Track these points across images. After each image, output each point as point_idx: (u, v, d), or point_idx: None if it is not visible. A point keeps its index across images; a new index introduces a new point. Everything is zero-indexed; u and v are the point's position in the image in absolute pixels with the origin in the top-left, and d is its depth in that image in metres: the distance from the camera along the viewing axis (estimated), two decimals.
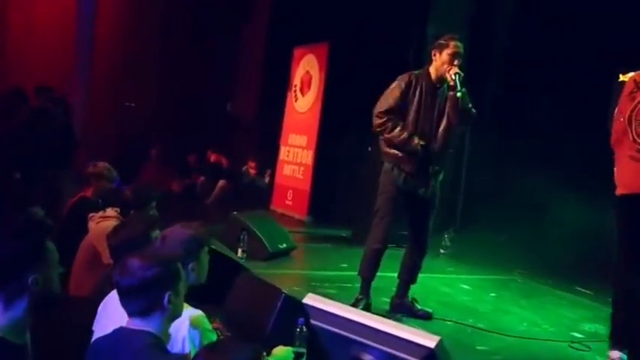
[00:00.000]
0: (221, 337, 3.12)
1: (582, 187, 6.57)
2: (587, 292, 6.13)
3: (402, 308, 4.85)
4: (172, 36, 12.33)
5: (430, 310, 4.88)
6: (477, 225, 7.95)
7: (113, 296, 2.56)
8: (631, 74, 4.26)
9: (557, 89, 7.49)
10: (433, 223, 4.90)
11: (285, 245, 6.52)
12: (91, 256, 4.22)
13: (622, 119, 4.03)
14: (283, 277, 5.63)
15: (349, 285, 5.02)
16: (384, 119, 4.63)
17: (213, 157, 11.78)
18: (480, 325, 4.77)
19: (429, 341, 1.92)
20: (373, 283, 4.84)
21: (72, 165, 7.78)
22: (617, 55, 6.55)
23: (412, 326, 2.45)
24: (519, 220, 7.41)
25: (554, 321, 5.19)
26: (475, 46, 7.77)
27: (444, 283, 6.06)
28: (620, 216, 4.05)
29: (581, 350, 4.51)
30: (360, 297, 4.75)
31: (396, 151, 4.66)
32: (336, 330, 2.17)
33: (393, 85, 4.70)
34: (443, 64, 4.59)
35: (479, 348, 4.34)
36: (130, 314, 2.36)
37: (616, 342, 4.07)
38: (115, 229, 3.32)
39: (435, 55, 4.66)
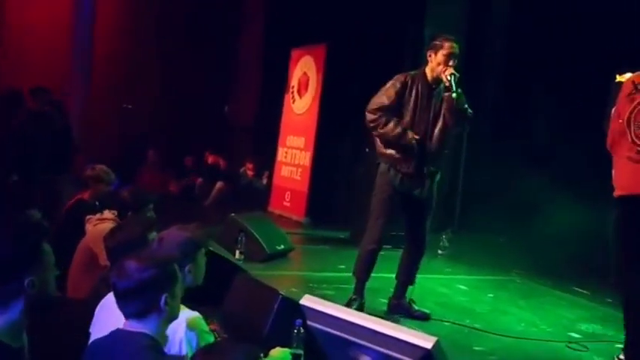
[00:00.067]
0: (218, 338, 3.12)
1: (580, 188, 6.58)
2: (585, 292, 6.14)
3: (400, 309, 4.86)
4: (170, 38, 12.33)
5: (428, 311, 4.89)
6: (475, 226, 7.96)
7: (110, 298, 2.55)
8: (628, 75, 4.26)
9: (555, 89, 7.51)
10: (431, 223, 4.91)
11: (282, 247, 6.53)
12: (88, 258, 4.21)
13: (620, 121, 4.02)
14: (281, 279, 5.64)
15: (347, 286, 5.02)
16: (377, 115, 4.62)
17: (210, 159, 11.79)
18: (478, 326, 4.78)
19: (426, 342, 1.92)
20: (371, 284, 4.84)
21: (71, 169, 7.78)
22: (615, 55, 6.55)
23: (409, 327, 2.45)
24: (517, 220, 7.41)
25: (551, 321, 5.20)
26: (472, 46, 7.79)
27: (442, 284, 6.07)
28: (620, 218, 4.04)
29: (578, 350, 4.51)
30: (353, 297, 4.76)
31: (393, 152, 4.66)
32: (334, 331, 2.17)
33: (388, 84, 4.70)
34: (438, 64, 4.59)
35: (476, 348, 4.35)
36: (127, 316, 2.36)
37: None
38: (112, 231, 3.31)
39: (430, 55, 4.66)
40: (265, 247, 6.16)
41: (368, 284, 4.85)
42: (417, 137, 4.60)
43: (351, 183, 8.46)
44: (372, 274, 4.85)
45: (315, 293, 3.86)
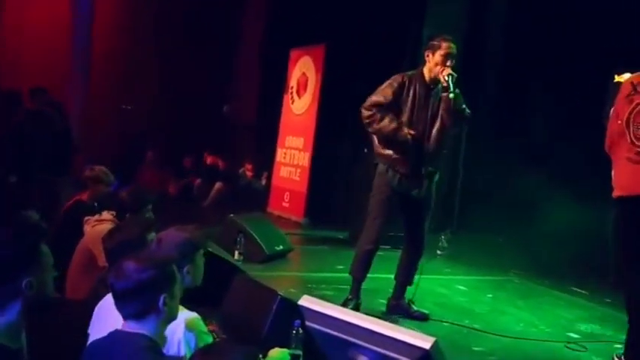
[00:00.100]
0: (217, 339, 3.12)
1: (578, 187, 6.59)
2: (584, 292, 6.15)
3: (399, 310, 4.86)
4: (169, 37, 12.34)
5: (426, 312, 4.89)
6: (474, 226, 7.95)
7: (109, 299, 2.55)
8: (627, 75, 4.26)
9: (553, 87, 7.51)
10: (430, 224, 4.89)
11: (281, 247, 6.52)
12: (86, 259, 4.21)
13: (619, 122, 4.02)
14: (280, 279, 5.64)
15: (346, 287, 5.01)
16: (373, 111, 4.61)
17: (209, 160, 11.78)
18: (477, 326, 4.78)
19: (424, 342, 1.92)
20: (370, 285, 4.84)
21: (70, 170, 7.77)
22: (613, 54, 6.57)
23: (408, 328, 2.45)
24: (516, 221, 7.42)
25: (550, 321, 5.20)
26: (471, 45, 7.78)
27: (441, 285, 6.07)
28: (619, 218, 4.04)
29: (577, 350, 4.51)
30: (350, 297, 4.76)
31: (391, 152, 4.66)
32: (332, 332, 2.16)
33: (385, 83, 4.69)
34: (436, 65, 4.59)
35: (475, 349, 4.35)
36: (126, 317, 2.36)
37: None
38: (111, 232, 3.31)
39: (428, 56, 4.66)
40: (264, 247, 6.16)
41: (367, 285, 4.85)
42: (412, 132, 4.59)
43: (350, 183, 8.46)
44: (371, 275, 4.85)
45: (313, 294, 3.88)
